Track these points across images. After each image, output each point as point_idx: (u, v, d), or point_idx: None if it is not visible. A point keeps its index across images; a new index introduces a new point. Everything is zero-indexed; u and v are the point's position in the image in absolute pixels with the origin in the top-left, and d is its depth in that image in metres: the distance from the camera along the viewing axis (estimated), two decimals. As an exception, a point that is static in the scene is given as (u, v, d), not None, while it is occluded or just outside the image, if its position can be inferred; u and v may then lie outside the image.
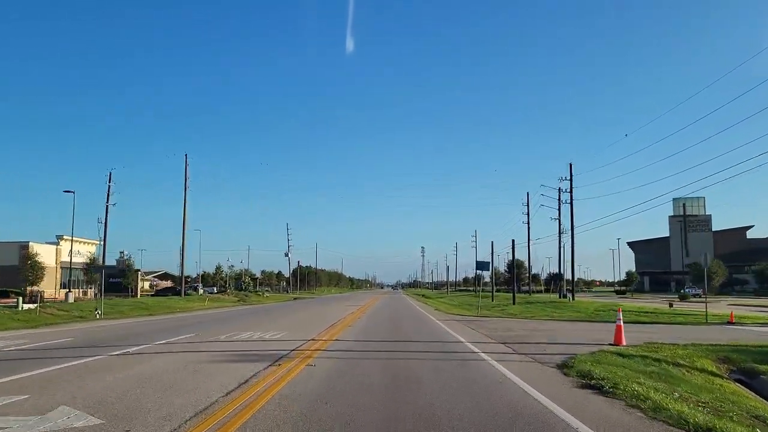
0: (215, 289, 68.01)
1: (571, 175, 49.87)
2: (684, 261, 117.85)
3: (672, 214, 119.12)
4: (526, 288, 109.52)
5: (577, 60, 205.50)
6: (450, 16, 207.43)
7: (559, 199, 58.42)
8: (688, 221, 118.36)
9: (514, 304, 49.24)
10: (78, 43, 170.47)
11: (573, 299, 48.05)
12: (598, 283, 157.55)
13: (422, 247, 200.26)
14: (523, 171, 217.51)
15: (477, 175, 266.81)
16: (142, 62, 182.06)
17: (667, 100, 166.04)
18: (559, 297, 57.28)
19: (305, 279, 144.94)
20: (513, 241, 50.58)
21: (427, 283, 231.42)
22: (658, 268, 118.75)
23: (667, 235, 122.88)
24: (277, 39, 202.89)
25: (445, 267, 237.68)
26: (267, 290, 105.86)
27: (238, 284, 69.96)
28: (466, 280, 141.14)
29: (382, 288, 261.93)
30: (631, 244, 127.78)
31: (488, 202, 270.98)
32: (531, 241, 68.21)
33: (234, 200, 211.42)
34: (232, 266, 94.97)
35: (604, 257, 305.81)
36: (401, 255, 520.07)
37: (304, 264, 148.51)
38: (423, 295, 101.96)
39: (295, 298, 68.45)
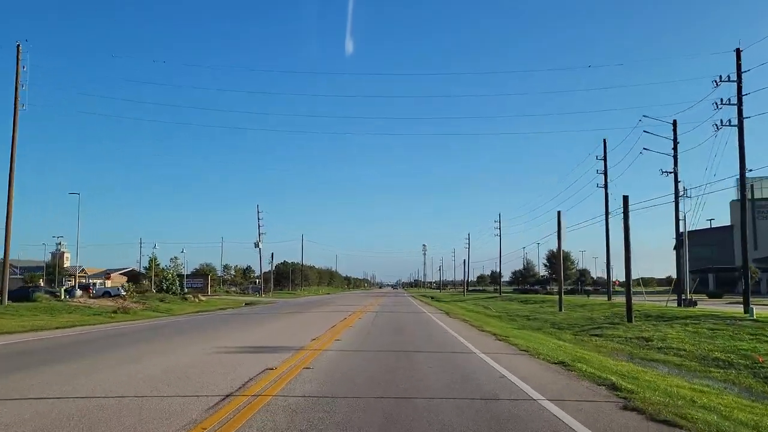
0: (121, 289, 43.70)
1: (739, 73, 25.12)
2: (752, 255, 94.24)
3: (735, 198, 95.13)
4: (564, 289, 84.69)
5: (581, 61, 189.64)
6: (450, 16, 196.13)
7: (675, 141, 33.71)
8: (756, 206, 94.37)
9: (630, 320, 24.74)
10: (75, 40, 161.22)
11: (750, 312, 23.48)
12: (617, 282, 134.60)
13: (424, 245, 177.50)
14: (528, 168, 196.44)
15: (485, 170, 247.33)
16: (140, 61, 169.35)
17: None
18: (680, 305, 32.82)
19: (289, 276, 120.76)
20: (625, 198, 24.80)
21: (429, 282, 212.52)
22: (719, 263, 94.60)
23: (729, 223, 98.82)
24: (278, 38, 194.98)
25: (452, 264, 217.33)
26: (233, 290, 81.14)
27: (162, 282, 45.40)
28: (481, 278, 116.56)
29: (380, 288, 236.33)
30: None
31: (505, 187, 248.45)
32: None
33: (232, 198, 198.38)
34: (175, 258, 70.56)
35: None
36: (401, 253, 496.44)
37: (279, 257, 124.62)
38: (432, 297, 76.89)
39: (246, 304, 44.11)
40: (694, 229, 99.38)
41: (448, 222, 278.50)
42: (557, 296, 63.15)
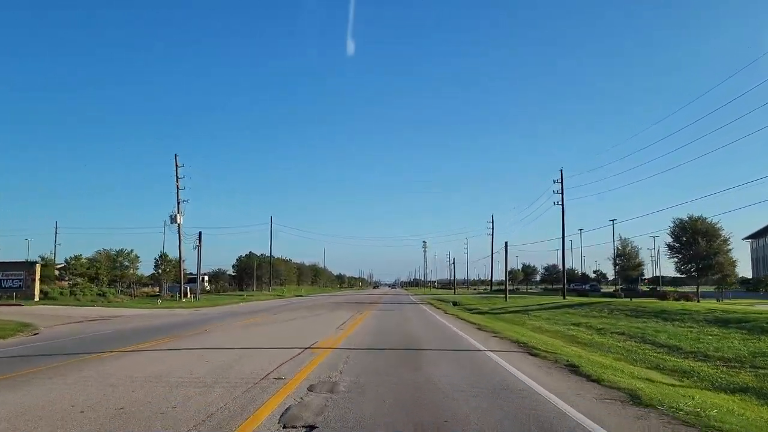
0: None
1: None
2: None
3: None
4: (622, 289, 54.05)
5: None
6: (450, 16, 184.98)
7: None
8: None
9: None
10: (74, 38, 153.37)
11: None
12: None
13: (424, 242, 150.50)
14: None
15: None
16: (139, 61, 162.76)
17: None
18: None
19: (254, 273, 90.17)
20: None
21: (432, 281, 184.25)
22: None
23: None
24: (278, 38, 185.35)
25: (464, 258, 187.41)
26: (118, 292, 50.17)
27: None
28: (511, 274, 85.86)
29: (376, 288, 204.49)
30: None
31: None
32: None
33: (228, 197, 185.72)
34: None
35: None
36: (400, 251, 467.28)
37: (206, 239, 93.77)
38: (456, 303, 45.42)
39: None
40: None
41: (450, 218, 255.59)
42: (688, 302, 31.36)
